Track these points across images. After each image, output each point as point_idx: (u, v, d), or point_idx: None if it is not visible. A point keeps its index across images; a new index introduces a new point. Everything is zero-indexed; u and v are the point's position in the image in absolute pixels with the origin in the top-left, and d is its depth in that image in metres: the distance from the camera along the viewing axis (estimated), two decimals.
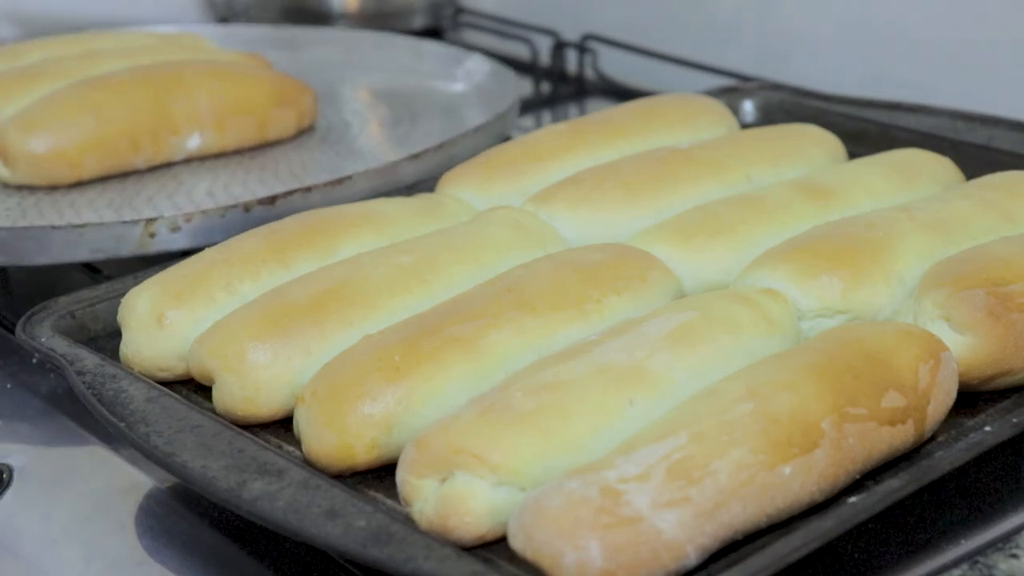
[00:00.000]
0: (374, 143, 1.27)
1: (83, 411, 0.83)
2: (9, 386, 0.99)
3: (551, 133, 1.11)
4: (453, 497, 0.70)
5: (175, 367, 0.87)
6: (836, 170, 1.03)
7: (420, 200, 1.00)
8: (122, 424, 0.78)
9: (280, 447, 0.80)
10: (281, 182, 1.17)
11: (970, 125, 1.17)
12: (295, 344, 0.82)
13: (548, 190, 0.99)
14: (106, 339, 0.91)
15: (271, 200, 1.05)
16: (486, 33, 1.73)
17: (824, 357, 0.75)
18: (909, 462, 0.75)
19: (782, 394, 0.72)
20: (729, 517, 0.67)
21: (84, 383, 0.82)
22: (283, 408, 0.82)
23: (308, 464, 0.77)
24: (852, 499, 0.71)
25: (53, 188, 1.16)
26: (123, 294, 0.90)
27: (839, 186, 0.98)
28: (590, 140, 1.09)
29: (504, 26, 1.69)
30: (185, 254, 0.94)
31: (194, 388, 0.86)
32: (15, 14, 1.68)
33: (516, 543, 0.67)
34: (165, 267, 0.92)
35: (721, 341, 0.78)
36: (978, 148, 1.13)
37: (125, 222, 1.02)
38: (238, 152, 1.25)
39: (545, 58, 1.59)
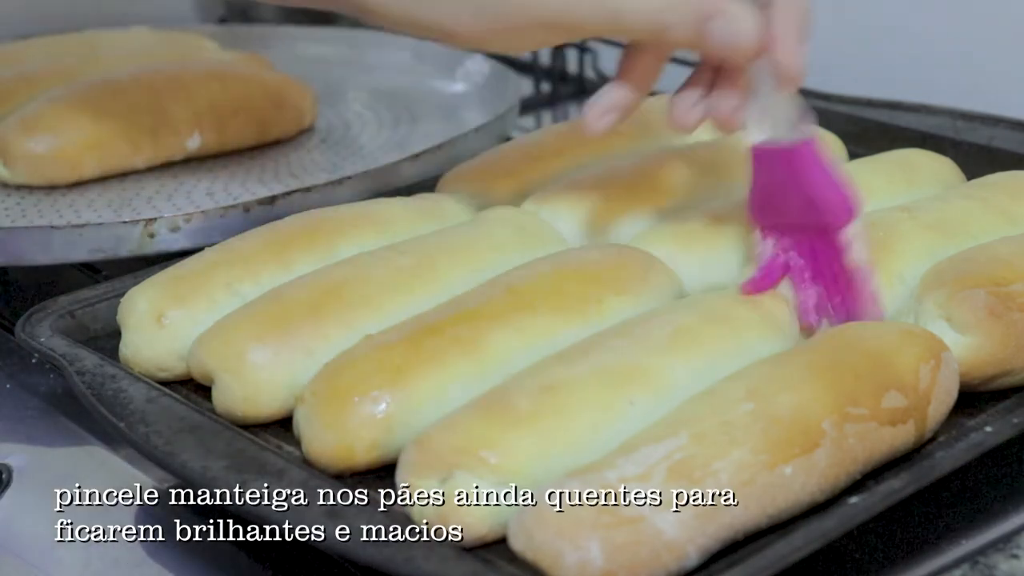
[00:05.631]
0: (374, 143, 1.27)
1: (83, 411, 0.83)
2: (9, 386, 0.99)
3: (551, 133, 1.10)
4: (453, 497, 0.69)
5: (175, 367, 0.87)
6: None
7: (420, 200, 1.00)
8: (122, 424, 0.78)
9: (280, 447, 0.80)
10: (281, 182, 1.17)
11: (971, 125, 1.16)
12: (295, 344, 0.82)
13: (548, 190, 0.99)
14: (106, 339, 0.91)
15: (271, 200, 1.05)
16: None
17: (825, 357, 0.75)
18: (910, 462, 0.75)
19: (783, 394, 0.71)
20: (730, 517, 0.67)
21: (84, 383, 0.82)
22: (283, 408, 0.82)
23: (308, 464, 0.77)
24: (853, 499, 0.71)
25: (53, 188, 1.16)
26: (123, 294, 0.90)
27: None
28: (590, 140, 1.08)
29: None
30: (185, 254, 0.94)
31: (194, 388, 0.86)
32: (12, 11, 1.68)
33: (516, 543, 0.67)
34: (165, 267, 0.92)
35: (722, 341, 0.78)
36: (979, 148, 1.13)
37: (125, 222, 1.02)
38: (238, 152, 1.25)
39: (545, 58, 1.59)
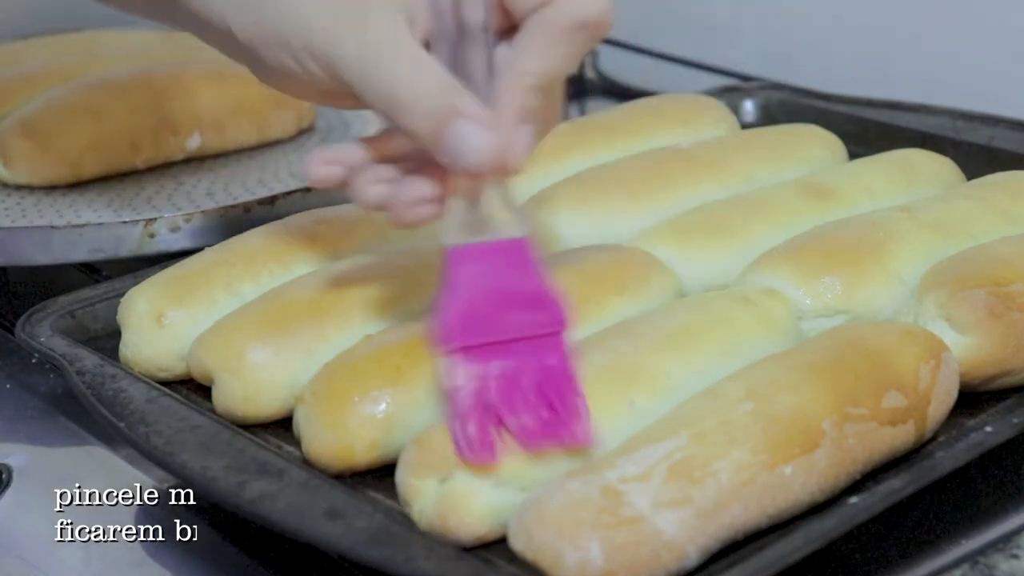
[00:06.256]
0: None
1: (83, 411, 0.83)
2: (9, 386, 0.99)
3: (551, 133, 1.10)
4: (453, 497, 0.69)
5: (175, 367, 0.87)
6: (836, 170, 1.03)
7: None
8: (122, 424, 0.78)
9: (280, 447, 0.80)
10: (281, 182, 1.17)
11: (970, 125, 1.16)
12: (295, 344, 0.82)
13: (548, 190, 0.99)
14: (106, 339, 0.91)
15: (271, 200, 1.05)
16: None
17: (825, 357, 0.75)
18: (910, 462, 0.75)
19: (783, 394, 0.71)
20: (730, 517, 0.67)
21: (84, 383, 0.82)
22: (283, 408, 0.82)
23: (308, 464, 0.77)
24: (853, 499, 0.71)
25: (53, 188, 1.16)
26: (123, 294, 0.90)
27: (839, 186, 0.98)
28: (590, 140, 1.08)
29: None
30: (185, 254, 0.94)
31: (194, 388, 0.86)
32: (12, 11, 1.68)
33: (516, 543, 0.66)
34: (165, 267, 0.92)
35: (721, 341, 0.78)
36: (979, 148, 1.13)
37: (125, 222, 1.02)
38: (238, 152, 1.25)
39: None
